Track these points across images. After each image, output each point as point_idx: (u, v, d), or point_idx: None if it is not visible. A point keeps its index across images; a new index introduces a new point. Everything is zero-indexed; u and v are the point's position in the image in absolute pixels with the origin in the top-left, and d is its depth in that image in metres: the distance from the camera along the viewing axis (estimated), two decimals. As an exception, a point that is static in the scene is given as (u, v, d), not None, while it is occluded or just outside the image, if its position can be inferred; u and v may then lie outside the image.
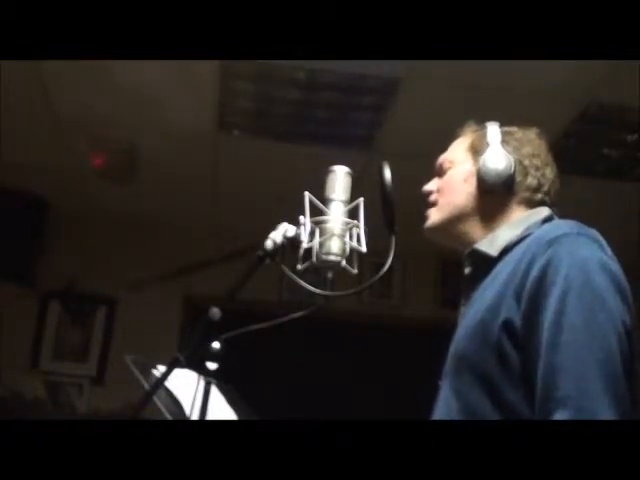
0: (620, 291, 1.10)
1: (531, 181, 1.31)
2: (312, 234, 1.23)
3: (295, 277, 1.22)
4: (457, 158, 1.38)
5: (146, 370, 1.52)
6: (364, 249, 1.24)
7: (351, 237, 1.24)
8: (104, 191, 3.73)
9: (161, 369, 1.47)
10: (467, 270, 1.31)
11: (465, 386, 1.15)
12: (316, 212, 1.25)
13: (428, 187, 1.41)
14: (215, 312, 1.20)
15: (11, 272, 3.78)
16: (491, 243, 1.27)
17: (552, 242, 1.12)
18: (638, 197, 3.31)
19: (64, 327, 3.96)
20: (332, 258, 1.22)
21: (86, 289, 3.96)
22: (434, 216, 1.37)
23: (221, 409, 1.54)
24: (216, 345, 1.21)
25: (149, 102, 2.90)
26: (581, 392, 1.01)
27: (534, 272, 1.10)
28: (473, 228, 1.33)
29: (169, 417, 1.45)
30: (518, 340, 1.10)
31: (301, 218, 1.25)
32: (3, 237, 3.70)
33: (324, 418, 1.10)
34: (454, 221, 1.34)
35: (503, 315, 1.12)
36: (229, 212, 3.92)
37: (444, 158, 1.41)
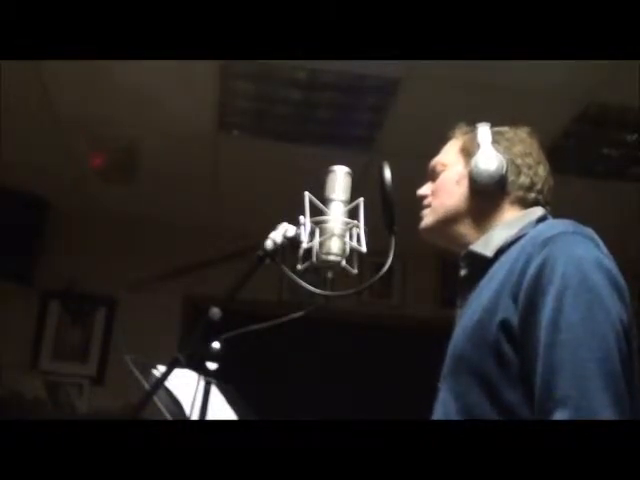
0: (617, 289, 1.09)
1: (524, 180, 1.31)
2: (312, 234, 1.23)
3: (295, 277, 1.22)
4: (449, 160, 1.38)
5: (146, 370, 1.52)
6: (364, 249, 1.24)
7: (351, 237, 1.24)
8: (104, 191, 3.73)
9: (161, 369, 1.47)
10: (463, 271, 1.31)
11: (464, 387, 1.15)
12: (316, 212, 1.25)
13: (422, 191, 1.42)
14: (215, 312, 1.20)
15: (11, 272, 3.79)
16: (486, 244, 1.27)
17: (547, 241, 1.12)
18: (638, 197, 3.31)
19: (64, 327, 3.96)
20: (332, 258, 1.21)
21: (86, 289, 3.96)
22: (428, 218, 1.38)
23: (221, 409, 1.54)
24: (216, 345, 1.21)
25: (149, 102, 2.90)
26: (580, 391, 1.01)
27: (530, 271, 1.10)
28: (467, 229, 1.33)
29: (169, 417, 1.45)
30: (516, 340, 1.10)
31: (301, 218, 1.25)
32: (3, 237, 3.70)
33: (324, 418, 1.10)
34: (448, 223, 1.34)
35: (500, 315, 1.11)
36: (229, 212, 3.92)
37: (436, 161, 1.41)
